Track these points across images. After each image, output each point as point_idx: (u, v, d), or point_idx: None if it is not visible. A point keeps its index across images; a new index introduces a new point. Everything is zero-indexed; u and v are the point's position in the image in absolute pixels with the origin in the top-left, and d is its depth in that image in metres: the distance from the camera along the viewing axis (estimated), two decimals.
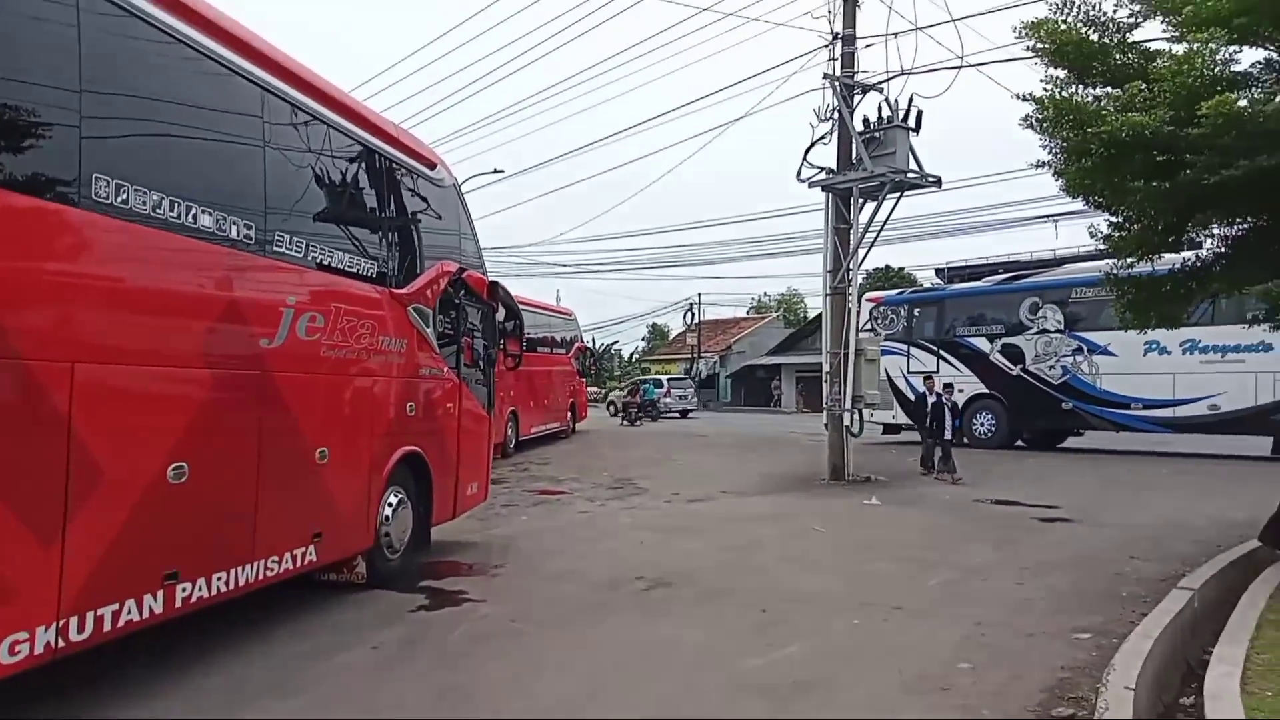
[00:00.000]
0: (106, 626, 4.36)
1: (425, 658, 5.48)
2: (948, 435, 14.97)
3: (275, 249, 5.71)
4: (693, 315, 50.88)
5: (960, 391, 19.21)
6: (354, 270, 6.67)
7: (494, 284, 9.20)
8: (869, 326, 19.94)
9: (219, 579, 5.17)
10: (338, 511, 6.44)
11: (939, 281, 21.50)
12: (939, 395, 15.29)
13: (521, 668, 5.27)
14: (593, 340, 40.04)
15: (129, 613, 4.49)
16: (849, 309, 14.80)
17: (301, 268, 6.00)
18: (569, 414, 24.66)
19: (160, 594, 4.71)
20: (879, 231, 14.66)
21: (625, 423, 32.31)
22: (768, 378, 47.50)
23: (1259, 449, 15.72)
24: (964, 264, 21.05)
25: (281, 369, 5.73)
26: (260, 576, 5.54)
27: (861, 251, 14.92)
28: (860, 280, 15.16)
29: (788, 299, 71.91)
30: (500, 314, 9.62)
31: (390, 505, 7.26)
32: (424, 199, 8.09)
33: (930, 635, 5.89)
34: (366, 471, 6.83)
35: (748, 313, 63.08)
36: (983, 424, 18.89)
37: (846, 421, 14.69)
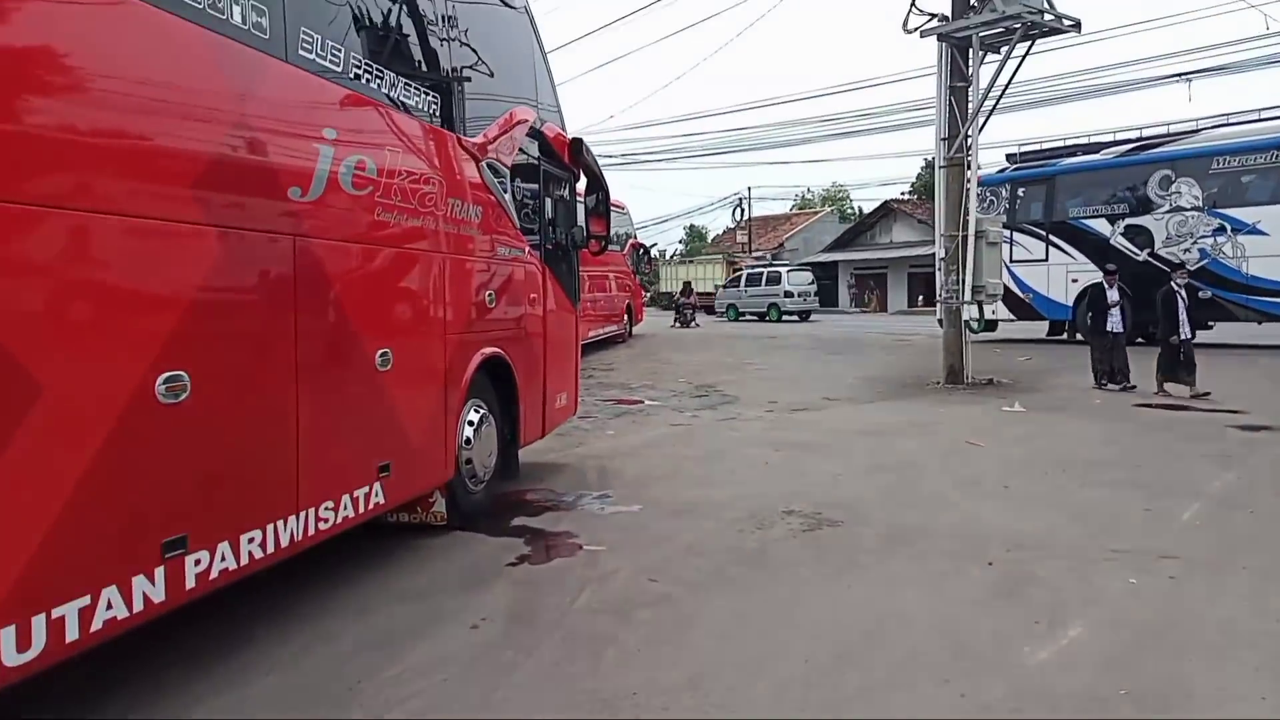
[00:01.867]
0: (71, 636, 2.71)
1: (548, 644, 3.80)
2: (1184, 334, 11.04)
3: (303, 52, 3.86)
4: (742, 211, 48.32)
5: (1074, 281, 17.14)
6: (411, 103, 4.81)
7: (577, 142, 7.28)
8: None
9: (250, 543, 3.50)
10: (408, 436, 4.73)
11: (1007, 166, 18.91)
12: (1174, 286, 11.38)
13: (696, 663, 3.58)
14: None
15: (108, 611, 2.84)
16: (967, 183, 12.68)
17: (341, 87, 4.15)
18: (625, 316, 22.84)
19: (160, 574, 3.04)
20: (1004, 88, 12.38)
21: (678, 324, 30.30)
22: (824, 276, 45.20)
23: None
24: (1035, 147, 18.52)
25: (321, 233, 3.94)
26: (309, 533, 3.87)
27: (982, 116, 12.68)
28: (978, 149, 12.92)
29: (832, 195, 68.74)
30: (581, 183, 7.73)
31: (471, 424, 5.56)
32: (491, 20, 6.15)
33: (1259, 600, 4.13)
34: (442, 381, 5.10)
35: (791, 209, 60.26)
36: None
37: (966, 315, 12.73)
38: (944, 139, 12.90)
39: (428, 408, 4.96)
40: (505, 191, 5.96)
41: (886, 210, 44.87)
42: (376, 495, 4.38)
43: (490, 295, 5.73)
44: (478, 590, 4.49)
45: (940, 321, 13.23)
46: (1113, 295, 12.11)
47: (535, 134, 6.60)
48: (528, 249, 6.41)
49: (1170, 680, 3.34)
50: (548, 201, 6.84)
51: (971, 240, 12.54)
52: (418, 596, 4.41)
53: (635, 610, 4.17)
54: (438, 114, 5.12)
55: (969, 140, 12.62)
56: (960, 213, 12.59)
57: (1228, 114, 15.93)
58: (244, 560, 3.47)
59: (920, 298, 42.96)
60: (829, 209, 54.99)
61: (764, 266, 37.47)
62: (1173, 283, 11.40)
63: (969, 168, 12.70)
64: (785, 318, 33.00)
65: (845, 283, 45.88)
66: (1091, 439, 8.39)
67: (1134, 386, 11.49)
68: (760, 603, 4.28)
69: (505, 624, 4.05)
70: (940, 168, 13.05)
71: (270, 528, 3.61)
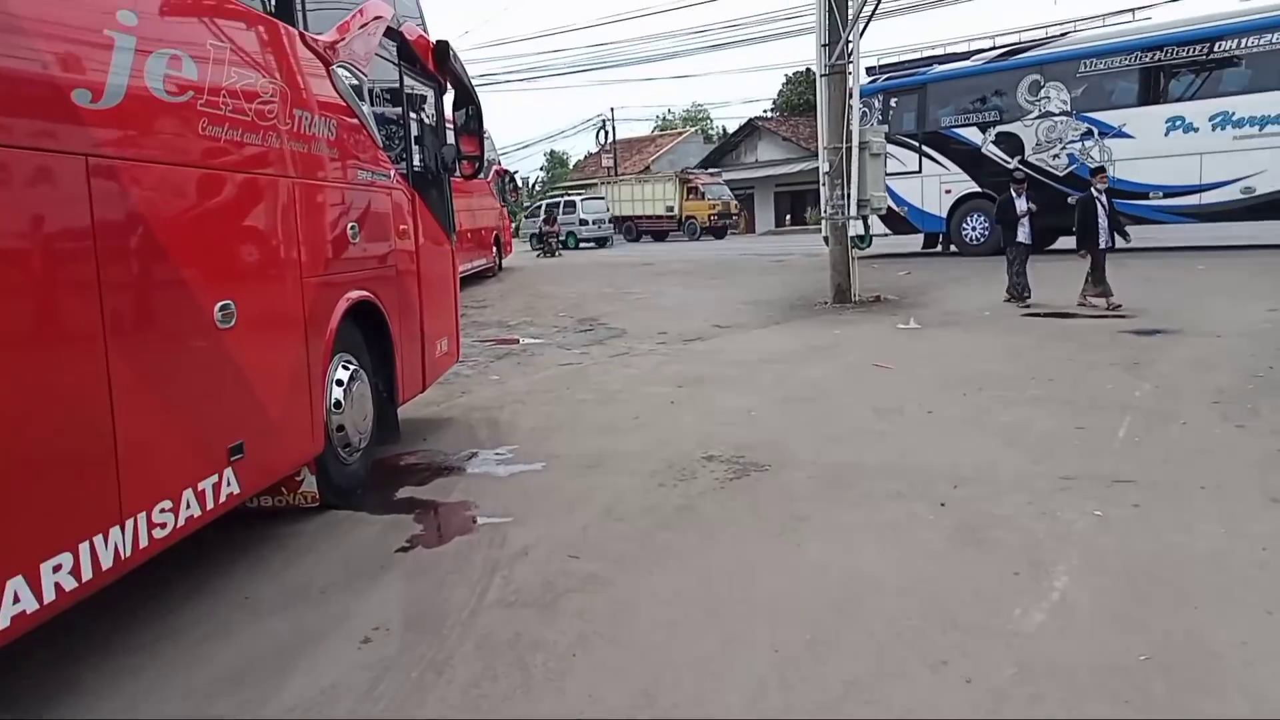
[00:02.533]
0: None
1: (460, 657, 3.08)
2: (1103, 243, 10.64)
3: None
4: (606, 134, 47.03)
5: (947, 193, 17.17)
6: None
7: (443, 45, 6.30)
8: None
9: (56, 571, 2.62)
10: (264, 406, 3.84)
11: (877, 78, 18.60)
12: (1094, 192, 10.86)
13: (645, 667, 2.94)
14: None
15: None
16: (849, 92, 12.23)
17: None
18: (494, 249, 21.71)
19: None
20: None
21: (543, 254, 29.37)
22: None
23: None
24: (897, 59, 18.27)
25: (126, 152, 2.98)
26: (140, 545, 3.00)
27: (863, 20, 12.20)
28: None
29: (693, 115, 68.11)
30: (449, 95, 6.77)
31: (340, 384, 4.70)
32: None
33: (1234, 525, 3.82)
34: (301, 335, 4.20)
35: (651, 132, 59.32)
36: (974, 228, 16.87)
37: (852, 231, 12.41)
38: (824, 45, 12.35)
39: (285, 370, 4.07)
40: (363, 103, 4.99)
41: (751, 129, 44.60)
42: (229, 485, 3.51)
43: (353, 228, 4.81)
44: (363, 589, 3.71)
45: (825, 239, 12.88)
46: (1021, 205, 11.52)
47: (394, 35, 5.60)
48: (393, 173, 5.48)
49: (1187, 638, 2.93)
50: (412, 116, 5.88)
51: (855, 152, 12.16)
52: (288, 605, 3.60)
53: (559, 599, 3.49)
54: (272, 2, 4.12)
55: (850, 46, 12.13)
56: (843, 124, 12.16)
57: (1103, 15, 15.96)
58: (49, 597, 2.59)
59: (788, 217, 43.26)
60: (693, 129, 54.35)
61: (560, 196, 38.69)
62: (1093, 189, 10.98)
63: (851, 76, 12.24)
64: (583, 245, 34.05)
65: (763, 204, 45.60)
66: (996, 353, 8.17)
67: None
68: (703, 575, 3.68)
69: (402, 634, 3.30)
70: (821, 76, 12.54)
71: (80, 549, 2.73)
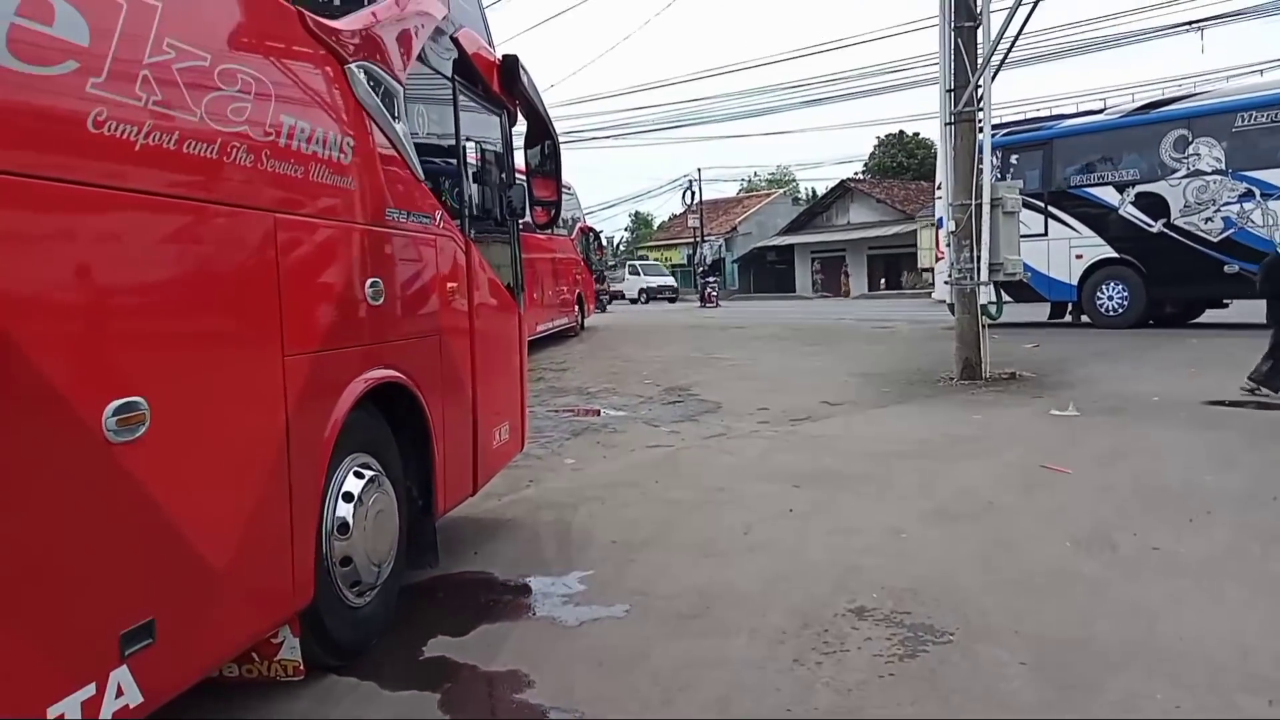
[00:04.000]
0: None
1: None
2: None
3: None
4: (692, 194, 46.00)
5: (1078, 258, 15.36)
6: None
7: (510, 60, 5.08)
8: (941, 184, 15.77)
9: None
10: (197, 554, 2.48)
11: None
12: None
13: None
14: None
15: None
16: (979, 141, 10.71)
17: None
18: (576, 308, 20.62)
19: None
20: (1025, 23, 10.40)
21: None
22: (779, 260, 43.34)
23: None
24: (1021, 114, 16.63)
25: None
26: None
27: (998, 57, 10.71)
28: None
29: (779, 178, 67.11)
30: (519, 126, 5.54)
31: (349, 498, 3.36)
32: None
33: None
34: (276, 436, 2.86)
35: (737, 194, 58.31)
36: (1110, 297, 15.01)
37: (982, 299, 10.77)
38: (949, 90, 10.89)
39: (247, 490, 2.74)
40: (396, 119, 3.73)
41: (843, 190, 43.22)
42: (118, 696, 2.16)
43: (373, 286, 3.51)
44: None
45: (951, 307, 11.29)
46: None
47: (448, 41, 4.38)
48: (439, 215, 4.20)
49: None
50: (469, 146, 4.62)
51: (987, 209, 10.59)
52: None
53: None
54: None
55: (979, 90, 10.66)
56: (973, 177, 10.62)
57: (1241, 67, 14.21)
58: None
59: (882, 280, 41.49)
60: (781, 190, 53.21)
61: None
62: None
63: (981, 124, 10.74)
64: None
65: (810, 268, 44.12)
66: (1199, 456, 6.43)
67: None
68: None
69: None
70: (946, 125, 11.03)
71: None
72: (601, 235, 30.71)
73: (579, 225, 22.07)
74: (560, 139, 5.84)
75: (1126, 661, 3.22)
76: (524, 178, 5.60)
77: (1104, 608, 3.75)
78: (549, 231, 18.48)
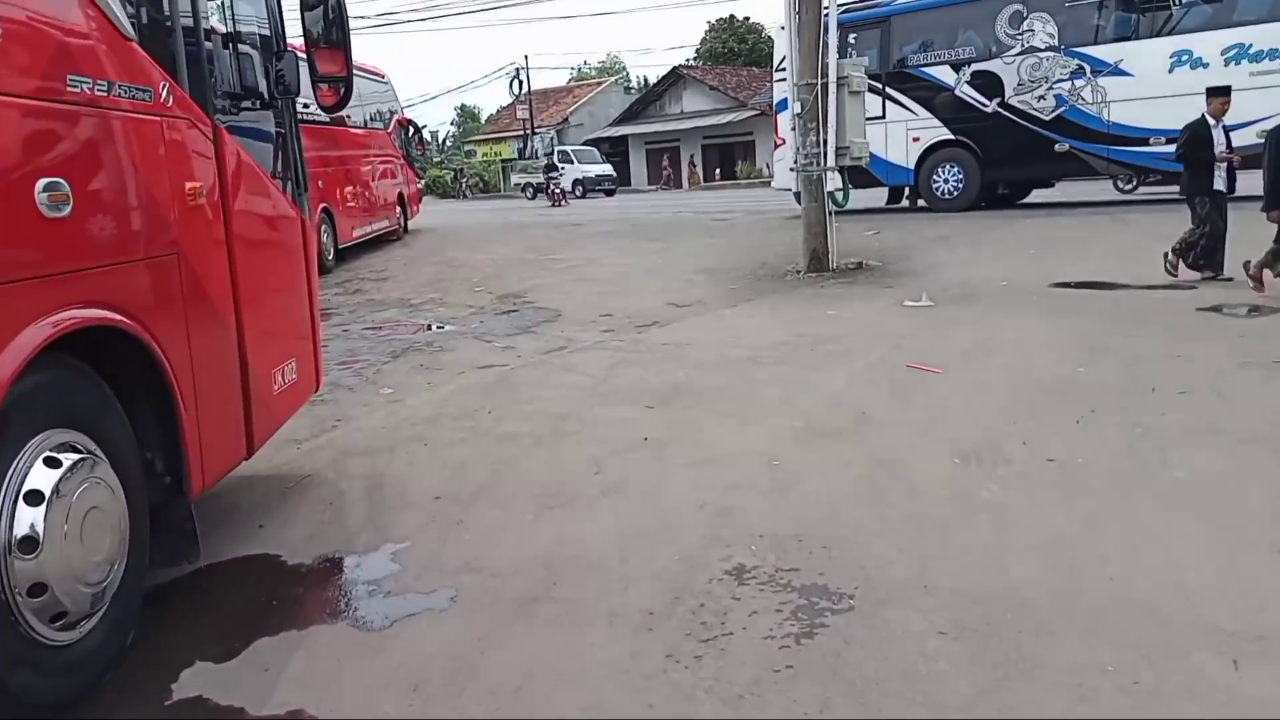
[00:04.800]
0: None
1: None
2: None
3: None
4: (520, 83, 43.63)
5: (915, 140, 15.18)
6: None
7: None
8: (781, 67, 15.12)
9: None
10: None
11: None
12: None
13: None
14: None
15: None
16: (824, 17, 10.02)
17: None
18: (398, 209, 18.96)
19: None
20: None
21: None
22: (613, 152, 42.09)
23: None
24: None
25: None
26: None
27: None
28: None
29: (610, 67, 65.27)
30: None
31: (35, 498, 2.34)
32: None
33: None
34: None
35: (567, 83, 56.11)
36: (947, 180, 14.96)
37: (830, 185, 10.27)
38: None
39: None
40: None
41: (675, 77, 42.14)
42: None
43: (52, 191, 2.41)
44: None
45: (797, 196, 10.74)
46: (1220, 137, 8.08)
47: None
48: (165, 89, 3.05)
49: None
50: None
51: (834, 89, 9.99)
52: None
53: None
54: None
55: None
56: (817, 54, 9.96)
57: None
58: None
59: (717, 170, 41.09)
60: (612, 79, 51.54)
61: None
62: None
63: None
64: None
65: (644, 160, 43.10)
66: (1062, 345, 6.14)
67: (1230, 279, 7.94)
68: None
69: None
70: None
71: None
72: (425, 130, 28.47)
73: (396, 118, 20.13)
74: (372, 23, 4.65)
75: (1060, 621, 2.69)
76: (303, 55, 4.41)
77: (1016, 543, 3.24)
78: (361, 126, 16.75)
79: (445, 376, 6.59)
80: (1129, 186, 16.62)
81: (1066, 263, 9.29)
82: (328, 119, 13.87)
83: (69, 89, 2.54)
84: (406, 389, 6.28)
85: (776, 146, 16.54)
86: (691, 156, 40.58)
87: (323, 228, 13.61)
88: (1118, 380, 5.20)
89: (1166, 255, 8.28)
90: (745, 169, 38.88)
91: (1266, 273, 7.19)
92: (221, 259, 3.39)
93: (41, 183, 2.38)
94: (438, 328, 8.67)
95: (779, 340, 6.93)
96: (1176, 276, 8.15)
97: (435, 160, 41.54)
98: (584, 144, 36.25)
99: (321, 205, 13.70)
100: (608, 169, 35.60)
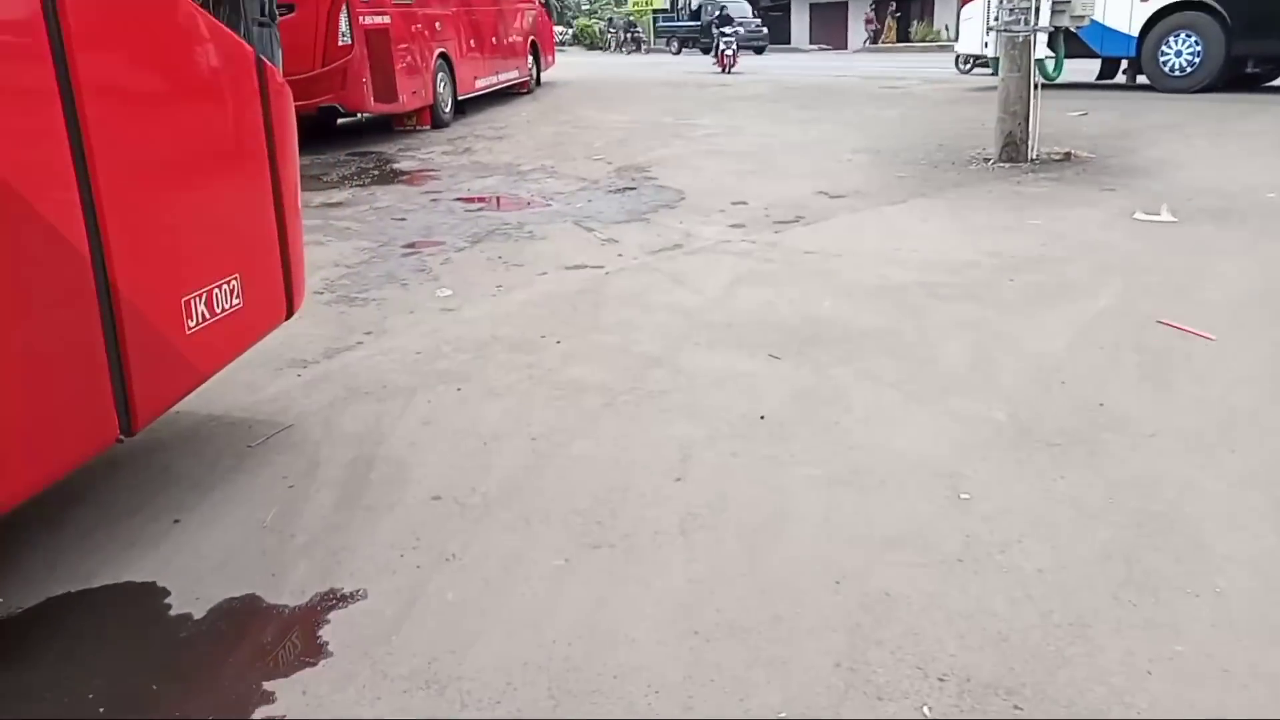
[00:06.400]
0: None
1: None
2: None
3: None
4: None
5: (1142, 2, 12.28)
6: None
7: None
8: None
9: None
10: None
11: None
12: None
13: None
14: None
15: None
16: None
17: None
18: (529, 60, 17.31)
19: None
20: None
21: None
22: (774, 7, 38.48)
23: None
24: None
25: None
26: None
27: None
28: None
29: None
30: None
31: None
32: None
33: None
34: None
35: None
36: (1179, 53, 12.09)
37: (1039, 53, 8.03)
38: None
39: None
40: None
41: None
42: None
43: None
44: None
45: (969, 64, 8.53)
46: None
47: None
48: None
49: None
50: None
51: None
52: None
53: None
54: None
55: None
56: None
57: None
58: None
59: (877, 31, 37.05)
60: None
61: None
62: None
63: None
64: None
65: (813, 18, 39.35)
66: None
67: None
68: None
69: None
70: None
71: None
72: None
73: None
74: None
75: None
76: None
77: None
78: None
79: (522, 277, 5.18)
80: None
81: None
82: None
83: None
84: (470, 291, 4.91)
85: (964, 3, 13.85)
86: (893, 6, 36.54)
87: (439, 76, 12.24)
88: None
89: None
90: (921, 30, 34.83)
91: None
92: (50, 115, 2.00)
93: None
94: (539, 207, 7.22)
95: (964, 260, 5.15)
96: None
97: (585, 8, 39.03)
98: None
99: (439, 50, 12.29)
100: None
